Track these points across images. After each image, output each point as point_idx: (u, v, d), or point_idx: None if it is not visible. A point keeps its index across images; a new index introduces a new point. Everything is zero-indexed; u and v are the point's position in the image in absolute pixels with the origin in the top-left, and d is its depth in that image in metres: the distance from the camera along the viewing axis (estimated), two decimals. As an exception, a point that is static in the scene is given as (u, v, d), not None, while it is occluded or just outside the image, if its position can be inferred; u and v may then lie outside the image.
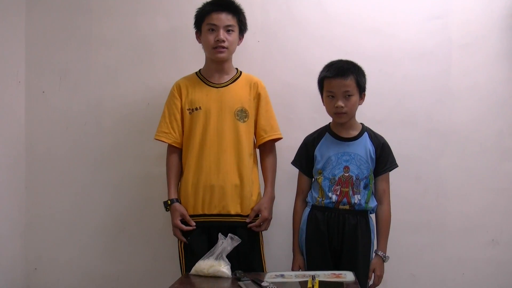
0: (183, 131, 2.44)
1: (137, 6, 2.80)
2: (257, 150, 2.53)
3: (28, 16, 2.81)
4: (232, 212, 2.36)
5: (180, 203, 2.39)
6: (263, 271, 2.36)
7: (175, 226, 2.37)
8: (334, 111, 2.28)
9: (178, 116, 2.43)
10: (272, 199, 2.44)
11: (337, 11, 2.71)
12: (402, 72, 2.69)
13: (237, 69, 2.51)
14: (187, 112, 2.42)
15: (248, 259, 2.35)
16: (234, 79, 2.46)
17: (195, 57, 2.57)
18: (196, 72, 2.51)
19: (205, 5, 2.42)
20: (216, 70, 2.45)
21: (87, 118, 2.81)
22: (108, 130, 2.81)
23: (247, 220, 2.37)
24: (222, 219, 2.36)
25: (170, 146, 2.45)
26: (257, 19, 2.70)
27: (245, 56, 2.63)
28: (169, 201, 2.40)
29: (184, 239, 2.36)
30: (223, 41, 2.35)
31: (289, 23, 2.73)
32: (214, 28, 2.36)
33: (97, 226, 2.81)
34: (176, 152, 2.45)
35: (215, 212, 2.36)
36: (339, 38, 2.70)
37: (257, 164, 2.50)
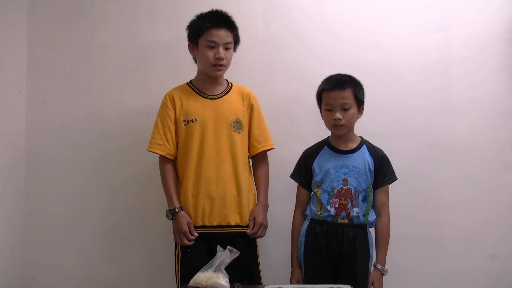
0: (177, 142, 2.44)
1: (139, 14, 2.80)
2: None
3: (29, 24, 2.81)
4: (232, 223, 2.38)
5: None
6: (260, 281, 2.39)
7: (184, 233, 2.35)
8: (332, 124, 2.29)
9: (172, 128, 2.42)
10: (266, 207, 2.46)
11: (338, 24, 2.71)
12: (403, 86, 2.69)
13: (227, 80, 2.52)
14: (182, 123, 2.41)
15: (247, 269, 2.36)
16: (227, 91, 2.48)
17: (196, 67, 2.58)
18: (187, 83, 2.51)
19: (204, 20, 2.39)
20: (210, 82, 2.46)
21: (87, 126, 2.81)
22: (108, 138, 2.81)
23: (249, 231, 2.38)
24: (222, 230, 2.37)
25: (163, 157, 2.44)
26: (258, 32, 2.72)
27: (246, 68, 2.64)
28: (176, 208, 2.38)
29: (188, 241, 2.35)
30: (223, 59, 2.36)
31: (290, 36, 2.73)
32: (213, 45, 2.36)
33: (97, 234, 2.81)
34: (170, 162, 2.45)
35: (215, 223, 2.37)
36: (339, 51, 2.70)
37: (251, 174, 2.52)
